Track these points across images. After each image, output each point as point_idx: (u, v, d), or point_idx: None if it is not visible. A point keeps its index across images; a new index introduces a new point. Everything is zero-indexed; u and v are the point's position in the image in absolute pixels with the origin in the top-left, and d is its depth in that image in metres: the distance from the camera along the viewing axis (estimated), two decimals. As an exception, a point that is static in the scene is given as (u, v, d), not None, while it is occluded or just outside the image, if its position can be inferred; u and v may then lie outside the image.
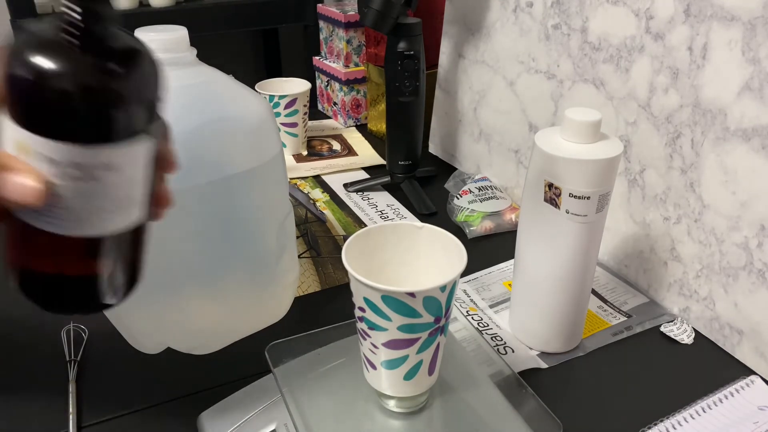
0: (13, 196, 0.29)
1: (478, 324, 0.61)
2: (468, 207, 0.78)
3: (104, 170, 0.30)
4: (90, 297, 0.33)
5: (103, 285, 0.33)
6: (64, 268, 0.32)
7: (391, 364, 0.44)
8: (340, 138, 1.06)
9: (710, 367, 0.56)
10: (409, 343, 0.43)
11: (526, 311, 0.57)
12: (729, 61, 0.53)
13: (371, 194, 0.87)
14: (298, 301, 0.61)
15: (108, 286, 0.33)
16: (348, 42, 1.05)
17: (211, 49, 1.02)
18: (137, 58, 0.30)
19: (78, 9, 0.28)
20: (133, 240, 0.34)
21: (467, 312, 0.63)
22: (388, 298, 0.40)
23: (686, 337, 0.59)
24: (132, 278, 0.35)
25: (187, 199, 0.44)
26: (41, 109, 0.28)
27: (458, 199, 0.79)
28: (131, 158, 0.31)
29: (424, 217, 0.81)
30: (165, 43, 0.47)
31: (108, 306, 0.35)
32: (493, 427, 0.48)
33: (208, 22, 1.41)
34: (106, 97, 0.29)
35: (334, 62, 1.10)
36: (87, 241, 0.31)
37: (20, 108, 0.29)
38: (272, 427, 0.47)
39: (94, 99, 0.29)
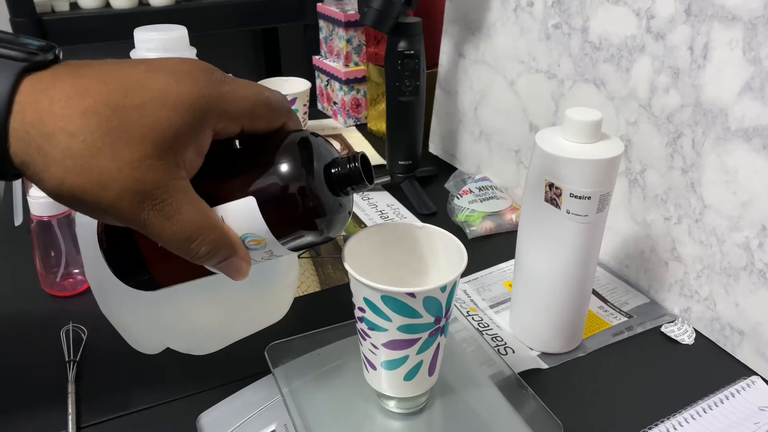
0: (226, 272, 0.36)
1: (478, 324, 0.61)
2: (468, 207, 0.78)
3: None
4: (153, 288, 0.40)
5: (167, 286, 0.40)
6: (163, 276, 0.39)
7: (391, 365, 0.44)
8: (340, 138, 1.06)
9: (711, 368, 0.56)
10: (409, 343, 0.42)
11: (526, 311, 0.57)
12: (730, 61, 0.53)
13: (371, 194, 0.87)
14: (298, 301, 0.61)
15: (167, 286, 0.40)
16: (348, 41, 1.05)
17: (210, 48, 1.01)
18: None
19: (366, 184, 0.37)
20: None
21: (467, 312, 0.63)
22: (388, 299, 0.40)
23: (687, 338, 0.58)
24: None
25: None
26: (301, 229, 0.36)
27: (458, 199, 0.79)
28: None
29: (424, 217, 0.81)
30: (165, 42, 0.47)
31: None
32: (493, 427, 0.48)
33: (208, 22, 1.41)
34: (335, 234, 0.39)
35: (334, 61, 1.10)
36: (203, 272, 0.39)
37: (286, 224, 0.36)
38: (272, 428, 0.47)
39: (335, 230, 0.39)
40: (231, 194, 0.35)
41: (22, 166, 0.30)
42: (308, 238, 0.37)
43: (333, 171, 0.37)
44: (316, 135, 0.38)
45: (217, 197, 0.35)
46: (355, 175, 0.37)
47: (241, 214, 0.35)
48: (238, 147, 0.38)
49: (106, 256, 0.38)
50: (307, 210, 0.35)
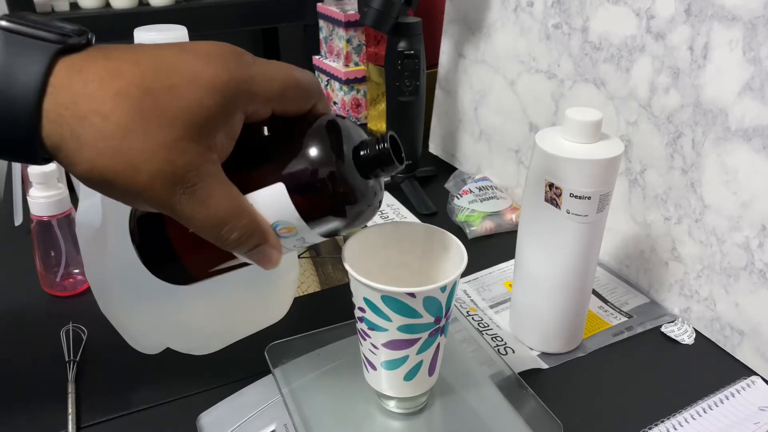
0: (256, 260, 0.36)
1: (478, 324, 0.61)
2: (468, 207, 0.78)
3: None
4: (183, 281, 0.39)
5: (202, 279, 0.40)
6: (195, 268, 0.38)
7: (391, 365, 0.44)
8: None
9: (711, 368, 0.56)
10: (409, 343, 0.42)
11: (526, 311, 0.57)
12: (730, 61, 0.53)
13: (371, 194, 0.87)
14: (298, 301, 0.61)
15: (202, 280, 0.40)
16: (348, 41, 1.05)
17: (210, 48, 1.01)
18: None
19: (396, 165, 0.36)
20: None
21: (467, 312, 0.63)
22: (388, 299, 0.40)
23: (687, 338, 0.58)
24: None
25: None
26: (332, 213, 0.35)
27: (458, 199, 0.79)
28: None
29: (424, 217, 0.81)
30: (165, 42, 0.46)
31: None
32: (493, 427, 0.48)
33: (208, 22, 1.41)
34: (366, 220, 0.38)
35: (334, 62, 1.10)
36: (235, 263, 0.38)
37: (316, 209, 0.35)
38: (272, 428, 0.47)
39: (367, 214, 0.37)
40: (261, 182, 0.35)
41: (54, 149, 0.30)
42: (339, 222, 0.36)
43: (362, 153, 0.36)
44: (344, 118, 0.38)
45: (247, 185, 0.35)
46: (384, 156, 0.36)
47: (271, 201, 0.35)
48: (268, 134, 0.37)
49: (139, 251, 0.38)
50: (336, 193, 0.35)
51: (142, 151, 0.30)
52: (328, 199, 0.35)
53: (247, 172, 0.35)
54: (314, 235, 0.37)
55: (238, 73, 0.32)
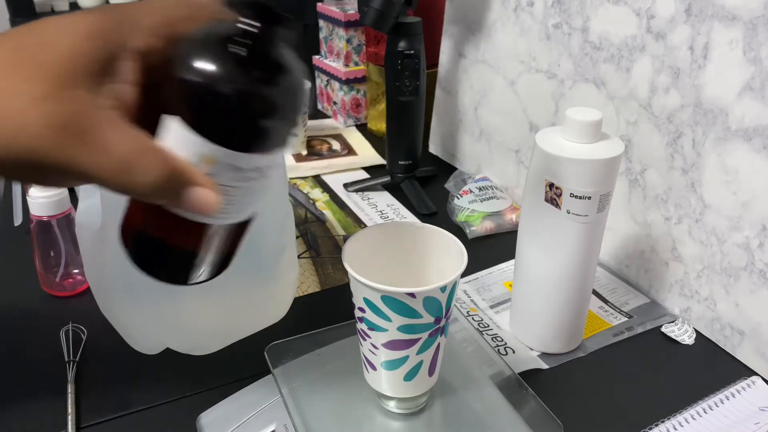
0: (194, 207, 0.31)
1: (478, 324, 0.61)
2: (468, 207, 0.78)
3: (266, 171, 0.34)
4: (189, 272, 0.36)
5: (205, 263, 0.36)
6: (185, 244, 0.35)
7: (391, 365, 0.44)
8: (340, 138, 1.06)
9: (711, 368, 0.56)
10: (409, 343, 0.42)
11: (526, 312, 0.57)
12: (730, 61, 0.53)
13: (371, 194, 0.87)
14: (298, 301, 0.61)
15: (208, 265, 0.36)
16: (348, 41, 1.05)
17: (210, 48, 1.01)
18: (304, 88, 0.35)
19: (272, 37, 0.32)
20: (241, 230, 0.37)
21: (467, 312, 0.63)
22: (388, 299, 0.40)
23: (687, 338, 0.58)
24: (225, 264, 0.38)
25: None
26: (246, 129, 0.31)
27: (458, 199, 0.79)
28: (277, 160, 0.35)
29: (424, 217, 0.81)
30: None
31: (198, 282, 0.37)
32: (493, 427, 0.48)
33: (208, 22, 1.41)
34: (294, 113, 0.33)
35: (333, 61, 1.10)
36: (217, 227, 0.34)
37: (223, 129, 0.31)
38: (272, 428, 0.47)
39: (287, 116, 0.33)
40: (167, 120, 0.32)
41: None
42: (253, 132, 0.32)
43: (230, 46, 0.31)
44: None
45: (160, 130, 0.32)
46: (249, 33, 0.31)
47: (176, 136, 0.31)
48: None
49: (132, 258, 0.36)
50: (228, 98, 0.31)
51: (20, 108, 0.28)
52: (220, 106, 0.31)
53: (160, 117, 0.32)
54: (246, 159, 0.32)
55: (114, 14, 0.31)
